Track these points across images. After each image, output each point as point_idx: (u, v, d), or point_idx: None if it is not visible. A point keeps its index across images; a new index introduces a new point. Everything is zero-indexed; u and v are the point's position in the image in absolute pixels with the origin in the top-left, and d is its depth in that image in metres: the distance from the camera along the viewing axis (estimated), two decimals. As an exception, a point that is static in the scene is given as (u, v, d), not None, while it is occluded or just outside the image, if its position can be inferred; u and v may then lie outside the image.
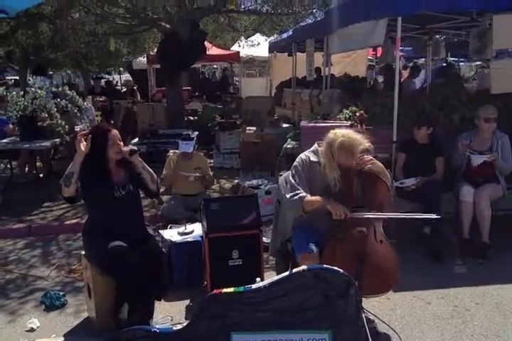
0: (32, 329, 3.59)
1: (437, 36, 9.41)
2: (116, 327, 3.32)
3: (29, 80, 7.54)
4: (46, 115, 6.75)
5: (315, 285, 2.86)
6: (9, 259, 4.98)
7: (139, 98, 13.30)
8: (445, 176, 5.00)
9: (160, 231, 4.55)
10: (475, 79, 13.93)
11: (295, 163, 3.50)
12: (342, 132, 3.30)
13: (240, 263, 3.92)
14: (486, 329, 3.46)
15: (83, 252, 3.71)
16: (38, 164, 7.84)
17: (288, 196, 3.38)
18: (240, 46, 15.63)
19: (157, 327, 3.14)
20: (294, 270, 2.91)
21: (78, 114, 7.46)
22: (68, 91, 6.84)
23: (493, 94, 5.47)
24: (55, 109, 6.67)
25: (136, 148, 3.63)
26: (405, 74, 11.92)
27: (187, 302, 3.95)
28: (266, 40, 14.81)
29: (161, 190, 4.99)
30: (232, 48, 16.74)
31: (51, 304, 3.93)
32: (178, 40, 8.85)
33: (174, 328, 3.02)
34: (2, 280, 4.47)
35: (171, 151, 6.28)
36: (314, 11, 8.83)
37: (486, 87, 9.61)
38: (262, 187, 5.95)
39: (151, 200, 6.20)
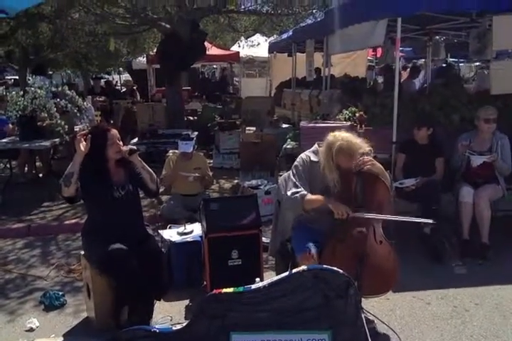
0: (31, 329, 3.59)
1: (437, 37, 9.41)
2: (115, 327, 3.32)
3: (29, 80, 7.52)
4: (46, 115, 6.75)
5: (314, 286, 2.86)
6: (8, 259, 4.97)
7: (138, 98, 13.31)
8: (445, 177, 5.00)
9: (159, 231, 4.55)
10: (475, 79, 13.95)
11: (295, 163, 3.50)
12: (342, 135, 3.29)
13: (239, 263, 3.92)
14: (486, 330, 3.46)
15: (82, 252, 3.71)
16: (37, 164, 7.84)
17: (289, 194, 3.37)
18: (239, 46, 15.63)
19: (157, 327, 3.14)
20: (294, 270, 2.91)
21: (78, 114, 7.46)
22: (68, 91, 6.84)
23: (493, 95, 5.47)
24: (55, 109, 6.66)
25: (135, 148, 3.63)
26: (405, 74, 11.92)
27: (186, 302, 3.95)
28: (266, 40, 14.82)
29: (161, 189, 4.99)
30: (232, 48, 16.74)
31: (50, 304, 3.93)
32: (178, 40, 8.85)
33: (174, 328, 3.01)
34: (1, 280, 4.47)
35: (171, 151, 6.28)
36: (314, 11, 8.83)
37: (485, 87, 9.62)
38: (261, 187, 5.95)
39: (151, 200, 6.20)
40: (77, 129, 7.36)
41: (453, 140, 5.05)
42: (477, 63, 15.51)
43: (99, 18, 9.60)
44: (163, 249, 4.01)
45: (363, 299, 3.06)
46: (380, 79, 11.88)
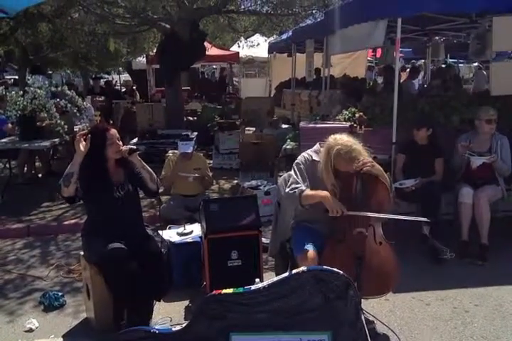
0: (31, 330, 3.59)
1: (437, 37, 9.43)
2: (115, 327, 3.31)
3: (28, 80, 7.51)
4: (45, 115, 6.74)
5: (314, 287, 2.85)
6: (8, 259, 4.97)
7: (138, 98, 13.31)
8: (444, 177, 5.00)
9: (159, 231, 4.53)
10: (473, 80, 13.97)
11: (297, 161, 3.51)
12: (342, 139, 3.28)
13: (239, 264, 3.91)
14: (486, 331, 3.46)
15: (82, 252, 3.70)
16: (37, 164, 7.84)
17: (287, 189, 3.39)
18: (239, 47, 15.62)
19: (156, 327, 3.13)
20: (294, 271, 2.90)
21: (77, 114, 7.46)
22: (68, 91, 6.83)
23: (493, 96, 5.47)
24: (55, 109, 6.66)
25: (135, 147, 3.63)
26: (404, 75, 11.93)
27: (186, 302, 3.95)
28: (265, 40, 14.81)
29: (161, 190, 4.98)
30: (231, 49, 16.74)
31: (50, 304, 3.93)
32: (178, 40, 8.84)
33: (173, 329, 3.01)
34: (1, 281, 4.47)
35: (170, 152, 6.28)
36: (314, 12, 8.83)
37: (483, 88, 9.64)
38: (261, 187, 5.95)
39: (150, 200, 6.20)
40: (77, 129, 7.36)
41: (452, 140, 5.05)
42: (475, 64, 15.52)
43: (98, 18, 9.59)
44: (162, 250, 4.00)
45: (362, 300, 3.06)
46: (380, 80, 11.89)
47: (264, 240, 4.12)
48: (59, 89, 6.92)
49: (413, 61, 15.44)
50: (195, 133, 8.89)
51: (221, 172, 8.03)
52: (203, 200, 4.15)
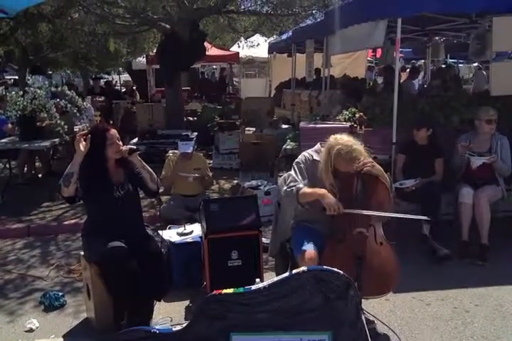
0: (31, 330, 3.59)
1: (437, 38, 9.43)
2: (115, 327, 3.31)
3: (28, 80, 7.51)
4: (45, 115, 6.74)
5: (314, 287, 2.85)
6: (8, 259, 4.97)
7: (138, 98, 13.31)
8: (445, 177, 5.01)
9: (159, 231, 4.53)
10: (473, 80, 13.97)
11: (297, 160, 3.51)
12: (343, 139, 3.28)
13: (239, 264, 3.91)
14: (486, 331, 3.46)
15: (82, 252, 3.70)
16: (37, 164, 7.84)
17: (285, 187, 3.39)
18: (239, 47, 15.62)
19: (157, 327, 3.13)
20: (294, 271, 2.91)
21: (77, 114, 7.46)
22: (68, 92, 6.83)
23: (493, 96, 5.47)
24: (55, 109, 6.66)
25: (135, 147, 3.63)
26: (404, 75, 11.93)
27: (186, 302, 3.95)
28: (265, 40, 14.81)
29: (161, 190, 4.99)
30: (231, 49, 16.74)
31: (50, 304, 3.93)
32: (178, 40, 8.84)
33: (174, 329, 3.01)
34: (1, 281, 4.47)
35: (170, 152, 6.28)
36: (314, 12, 8.83)
37: (482, 88, 9.65)
38: (261, 187, 5.95)
39: (151, 200, 6.20)
40: (77, 129, 7.36)
41: (452, 141, 5.06)
42: (475, 64, 15.53)
43: (98, 18, 9.59)
44: (162, 250, 4.01)
45: (363, 300, 3.06)
46: (380, 80, 11.90)
47: (264, 240, 4.12)
48: (59, 89, 6.92)
49: (413, 61, 15.45)
50: (195, 134, 8.89)
51: (221, 173, 8.03)
52: (203, 200, 4.15)
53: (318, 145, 3.54)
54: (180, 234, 4.38)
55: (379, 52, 12.81)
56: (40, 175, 7.66)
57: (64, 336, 3.53)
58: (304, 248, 3.25)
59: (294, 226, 3.59)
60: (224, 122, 9.24)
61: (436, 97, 6.28)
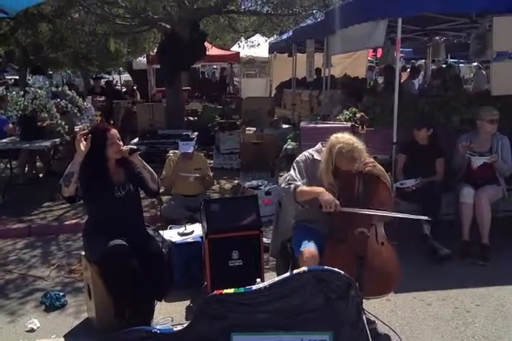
0: (32, 330, 3.59)
1: (437, 37, 9.43)
2: (116, 327, 3.31)
3: (28, 80, 7.51)
4: (46, 115, 6.74)
5: (315, 287, 2.85)
6: (9, 259, 4.97)
7: (138, 98, 13.31)
8: (445, 177, 5.00)
9: (160, 231, 4.53)
10: (473, 80, 13.97)
11: (297, 159, 3.52)
12: (344, 138, 3.28)
13: (240, 263, 3.91)
14: (487, 331, 3.45)
15: (83, 252, 3.70)
16: (37, 164, 7.84)
17: (283, 184, 3.40)
18: (240, 47, 15.63)
19: (157, 327, 3.14)
20: (295, 271, 2.91)
21: (78, 114, 7.45)
22: (68, 92, 6.84)
23: (493, 96, 5.47)
24: (55, 109, 6.66)
25: (136, 147, 3.63)
26: (404, 75, 11.93)
27: (187, 302, 3.95)
28: (266, 40, 14.81)
29: (161, 190, 4.99)
30: (232, 49, 16.74)
31: (51, 304, 3.93)
32: (178, 40, 8.84)
33: (175, 329, 3.02)
34: (2, 281, 4.47)
35: (171, 152, 6.28)
36: (314, 12, 8.82)
37: (482, 88, 9.64)
38: (261, 187, 5.95)
39: (151, 200, 6.20)
40: (78, 129, 7.36)
41: (453, 141, 5.05)
42: (475, 63, 15.52)
43: (99, 18, 9.59)
44: (163, 250, 4.01)
45: (364, 300, 3.06)
46: (380, 80, 11.90)
47: (265, 240, 4.12)
48: (59, 89, 6.92)
49: (413, 61, 15.44)
50: (196, 133, 8.89)
51: (222, 172, 8.03)
52: (204, 200, 4.15)
53: (319, 145, 3.54)
54: (181, 234, 4.38)
55: (379, 52, 12.81)
56: (41, 175, 7.66)
57: (65, 336, 3.53)
58: (304, 246, 3.25)
59: (294, 226, 3.59)
60: (224, 122, 9.23)
61: (436, 97, 6.28)
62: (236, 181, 7.25)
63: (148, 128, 9.23)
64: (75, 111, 7.12)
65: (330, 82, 8.46)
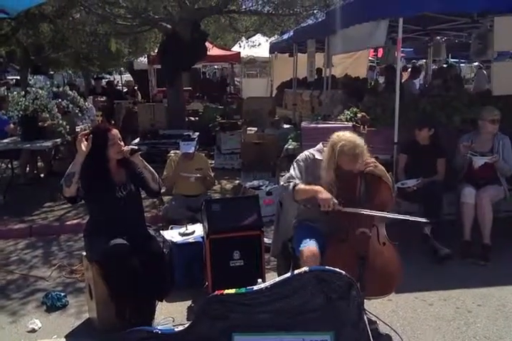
0: (33, 330, 3.59)
1: (438, 37, 9.42)
2: (117, 328, 3.31)
3: (29, 80, 7.53)
4: (47, 115, 6.75)
5: (316, 287, 2.85)
6: (10, 260, 4.98)
7: (139, 98, 13.33)
8: (446, 177, 5.00)
9: (161, 231, 4.54)
10: (474, 80, 13.96)
11: (298, 158, 3.52)
12: (346, 135, 3.28)
13: (241, 264, 3.91)
14: (489, 331, 3.45)
15: (84, 253, 3.70)
16: (39, 164, 7.84)
17: (281, 183, 3.41)
18: (240, 47, 15.63)
19: (159, 328, 3.14)
20: (296, 271, 2.91)
21: (79, 114, 7.46)
22: (69, 92, 6.84)
23: (495, 96, 5.47)
24: (56, 109, 6.66)
25: (137, 148, 3.63)
26: (405, 75, 11.92)
27: (188, 303, 3.95)
28: (267, 40, 14.81)
29: (162, 190, 5.00)
30: (233, 49, 16.74)
31: (52, 305, 3.93)
32: (179, 40, 8.85)
33: (176, 329, 3.02)
34: (3, 281, 4.47)
35: (172, 152, 6.28)
36: (315, 11, 8.82)
37: (482, 88, 9.63)
38: (262, 188, 5.95)
39: (152, 201, 6.20)
40: (79, 129, 7.37)
41: (454, 140, 5.05)
42: (475, 63, 15.52)
43: (100, 19, 9.61)
44: (164, 250, 4.01)
45: (365, 300, 3.06)
46: (381, 80, 11.89)
47: (266, 240, 4.12)
48: (61, 89, 6.93)
49: (413, 61, 15.43)
50: (197, 134, 8.88)
51: (223, 173, 8.03)
52: (205, 200, 4.15)
53: (320, 145, 3.53)
54: (182, 234, 4.38)
55: (380, 51, 12.79)
56: (42, 175, 7.66)
57: (66, 336, 3.53)
58: (304, 245, 3.25)
59: (296, 225, 3.59)
60: (226, 122, 9.23)
61: (437, 97, 6.28)
62: (237, 181, 7.25)
63: (149, 129, 9.24)
64: (76, 111, 7.12)
65: (331, 82, 8.46)
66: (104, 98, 11.90)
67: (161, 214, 5.73)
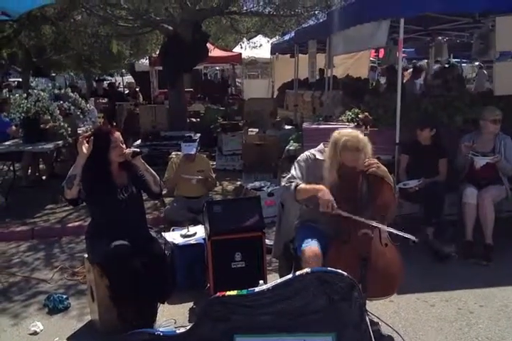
0: (35, 333, 3.59)
1: (440, 37, 9.40)
2: (119, 330, 3.31)
3: (31, 82, 7.53)
4: (49, 117, 6.76)
5: (318, 288, 2.85)
6: (12, 262, 4.98)
7: (141, 100, 13.35)
8: (448, 178, 4.99)
9: (163, 233, 4.54)
10: (475, 80, 13.95)
11: (299, 158, 3.53)
12: (347, 131, 3.31)
13: (242, 265, 3.91)
14: (491, 332, 3.44)
15: (86, 255, 3.70)
16: (40, 166, 7.85)
17: (283, 183, 3.41)
18: (242, 48, 15.63)
19: (160, 330, 3.14)
20: (297, 273, 2.90)
21: (81, 116, 7.46)
22: (71, 94, 6.85)
23: (496, 96, 5.46)
24: (58, 111, 6.67)
25: (138, 150, 3.62)
26: (406, 75, 11.90)
27: (190, 304, 3.95)
28: (268, 41, 14.82)
29: (164, 192, 5.01)
30: (234, 50, 16.75)
31: (54, 307, 3.93)
32: (181, 41, 8.85)
33: (177, 331, 3.03)
34: (5, 283, 4.47)
35: (173, 153, 6.28)
36: (316, 12, 8.82)
37: (483, 88, 9.61)
38: (264, 189, 5.95)
39: (154, 202, 6.20)
40: (80, 131, 7.37)
41: (456, 141, 5.04)
42: (476, 63, 15.51)
43: (101, 20, 9.61)
44: (166, 252, 4.01)
45: (367, 301, 3.05)
46: (383, 80, 11.88)
47: (267, 241, 4.12)
48: (62, 91, 6.94)
49: (414, 61, 15.41)
50: (198, 135, 8.85)
51: (224, 174, 8.02)
52: (207, 202, 4.15)
53: (321, 145, 3.54)
54: (184, 236, 4.37)
55: (382, 52, 12.78)
56: (43, 178, 7.67)
57: (68, 338, 3.53)
58: (306, 245, 3.25)
59: (298, 226, 3.59)
60: (227, 123, 9.23)
61: (439, 97, 6.27)
62: (238, 182, 7.25)
63: (150, 130, 9.23)
64: (78, 113, 7.12)
65: (332, 82, 8.45)
66: (105, 100, 11.92)
67: (163, 215, 5.73)
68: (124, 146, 3.54)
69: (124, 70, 20.10)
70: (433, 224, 4.70)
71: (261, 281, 3.16)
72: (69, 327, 3.68)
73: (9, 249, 5.33)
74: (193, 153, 5.66)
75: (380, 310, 3.67)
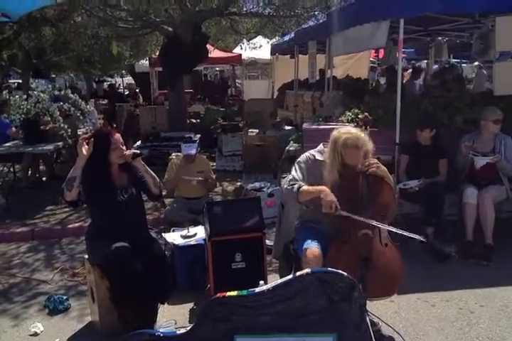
0: (35, 334, 3.59)
1: (440, 38, 9.41)
2: (120, 331, 3.31)
3: (31, 84, 7.55)
4: (49, 118, 6.76)
5: (318, 289, 2.84)
6: (12, 263, 4.98)
7: (141, 101, 13.35)
8: (448, 178, 4.99)
9: (163, 234, 4.54)
10: (474, 80, 13.93)
11: (299, 159, 3.53)
12: (346, 129, 3.32)
13: (243, 266, 3.91)
14: (491, 332, 3.44)
15: (86, 256, 3.71)
16: (40, 168, 7.85)
17: (285, 186, 3.41)
18: (242, 49, 15.64)
19: (161, 330, 3.14)
20: (298, 273, 2.90)
21: (81, 118, 7.47)
22: (71, 95, 6.86)
23: (496, 96, 5.46)
24: (58, 113, 6.67)
25: (138, 152, 3.62)
26: (406, 76, 11.90)
27: (190, 305, 3.95)
28: (268, 42, 14.83)
29: (164, 193, 5.01)
30: (234, 51, 16.76)
31: (55, 308, 3.93)
32: (181, 42, 8.85)
33: (178, 332, 3.01)
34: (6, 284, 4.47)
35: (174, 154, 6.27)
36: (316, 13, 8.82)
37: (482, 88, 9.61)
38: (264, 189, 5.94)
39: (154, 203, 6.19)
40: (80, 133, 7.37)
41: (456, 141, 5.04)
42: (475, 63, 15.49)
43: (101, 22, 9.62)
44: (166, 252, 4.01)
45: (367, 301, 3.05)
46: (383, 81, 11.88)
47: (268, 242, 4.12)
48: (62, 92, 6.94)
49: (413, 62, 15.41)
50: (199, 136, 8.87)
51: (224, 175, 8.01)
52: (207, 203, 4.15)
53: (320, 146, 3.54)
54: (184, 237, 4.38)
55: (381, 52, 12.78)
56: (44, 179, 7.67)
57: (68, 339, 3.53)
58: (307, 245, 3.25)
59: (298, 227, 3.59)
60: (227, 124, 9.24)
61: (439, 97, 6.26)
62: (239, 183, 7.25)
63: (150, 131, 9.23)
64: (78, 114, 7.13)
65: (332, 83, 8.45)
66: (105, 101, 11.93)
67: (163, 216, 5.73)
68: (124, 148, 3.53)
69: (124, 71, 20.11)
70: (433, 224, 4.70)
71: (261, 282, 3.16)
72: (69, 328, 3.68)
73: (9, 250, 5.33)
74: (193, 153, 5.66)
75: (381, 310, 3.67)
